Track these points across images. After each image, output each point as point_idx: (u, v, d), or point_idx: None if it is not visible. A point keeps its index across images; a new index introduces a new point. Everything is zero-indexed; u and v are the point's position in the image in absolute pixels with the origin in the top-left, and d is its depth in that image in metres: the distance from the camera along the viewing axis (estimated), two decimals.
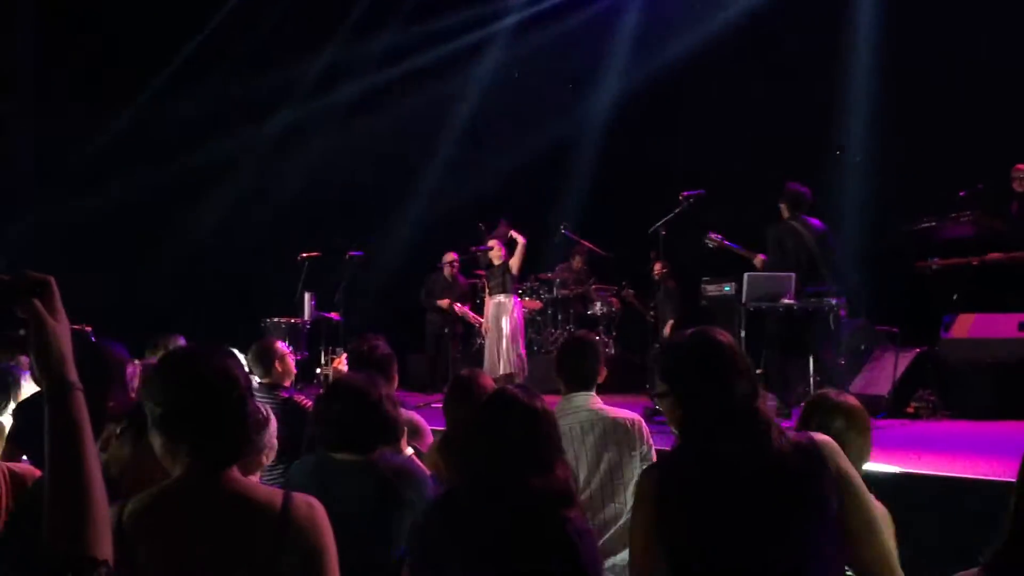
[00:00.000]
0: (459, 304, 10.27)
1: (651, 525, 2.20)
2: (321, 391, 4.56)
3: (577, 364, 3.82)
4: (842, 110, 9.63)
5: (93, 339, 3.91)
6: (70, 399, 1.48)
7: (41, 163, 10.68)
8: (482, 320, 10.22)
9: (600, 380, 3.84)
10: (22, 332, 1.51)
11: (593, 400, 3.75)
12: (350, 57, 11.65)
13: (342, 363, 4.79)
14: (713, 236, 7.91)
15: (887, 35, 9.29)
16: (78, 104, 10.63)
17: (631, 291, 11.10)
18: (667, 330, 10.12)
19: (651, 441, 3.75)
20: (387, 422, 2.89)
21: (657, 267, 10.15)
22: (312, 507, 1.95)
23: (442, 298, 10.36)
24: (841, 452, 2.23)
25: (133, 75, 11.02)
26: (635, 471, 3.65)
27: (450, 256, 10.36)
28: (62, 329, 1.52)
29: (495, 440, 2.37)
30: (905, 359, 7.31)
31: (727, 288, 9.09)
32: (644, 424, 3.77)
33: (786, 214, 7.46)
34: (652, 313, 10.54)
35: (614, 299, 11.24)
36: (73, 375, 1.50)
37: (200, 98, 11.01)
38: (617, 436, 3.65)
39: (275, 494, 1.96)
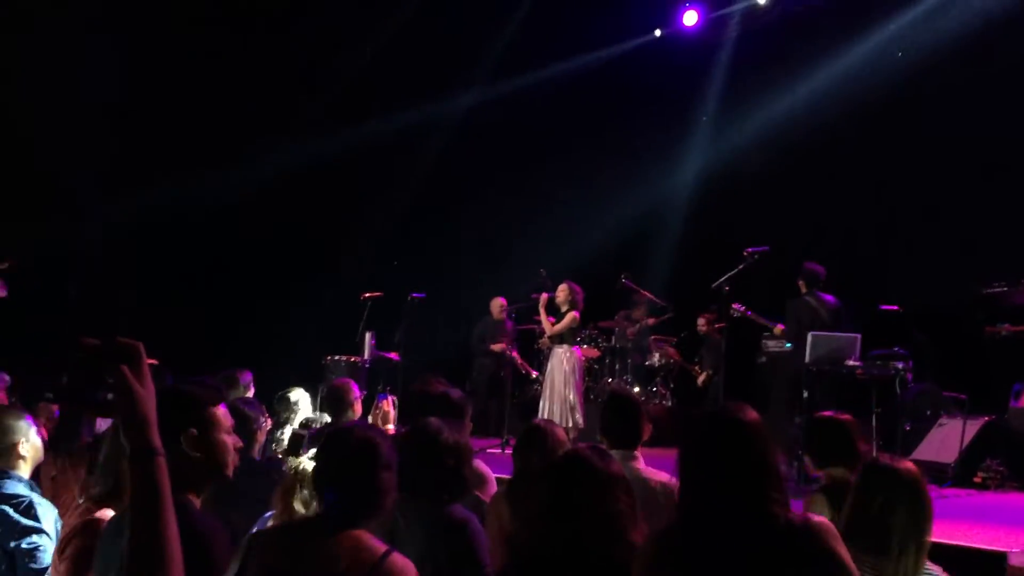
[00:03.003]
0: (510, 348, 10.29)
1: None
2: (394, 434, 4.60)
3: (618, 423, 3.79)
4: (914, 172, 9.53)
5: (169, 376, 4.00)
6: (153, 464, 1.54)
7: (115, 200, 10.99)
8: (533, 370, 10.23)
9: (645, 438, 3.79)
10: (110, 396, 1.56)
11: (634, 461, 3.69)
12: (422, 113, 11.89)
13: (389, 405, 4.78)
14: (736, 307, 8.38)
15: (968, 101, 9.19)
16: (152, 150, 10.96)
17: (674, 350, 11.07)
18: (700, 380, 10.15)
19: None
20: (450, 474, 2.87)
21: (701, 321, 10.21)
22: (406, 567, 2.19)
23: (493, 343, 10.37)
24: (838, 536, 2.18)
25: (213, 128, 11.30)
26: None
27: (499, 302, 10.39)
28: (148, 394, 1.57)
29: (563, 508, 2.33)
30: (973, 427, 7.13)
31: (788, 345, 9.05)
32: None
33: (803, 290, 8.10)
34: (696, 367, 10.58)
35: (672, 350, 11.19)
36: (156, 440, 1.56)
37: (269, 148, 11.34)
38: (656, 502, 3.53)
39: (378, 547, 2.23)
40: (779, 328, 8.50)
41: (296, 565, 2.18)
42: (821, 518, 2.22)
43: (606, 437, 3.82)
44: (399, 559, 2.18)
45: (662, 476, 3.68)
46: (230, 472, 2.35)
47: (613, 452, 3.63)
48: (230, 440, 2.38)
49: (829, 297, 8.03)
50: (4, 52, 10.01)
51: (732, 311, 8.34)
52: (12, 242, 10.13)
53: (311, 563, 2.17)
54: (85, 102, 10.45)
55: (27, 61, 10.21)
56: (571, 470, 2.40)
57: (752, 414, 2.29)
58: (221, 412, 2.39)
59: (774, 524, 2.14)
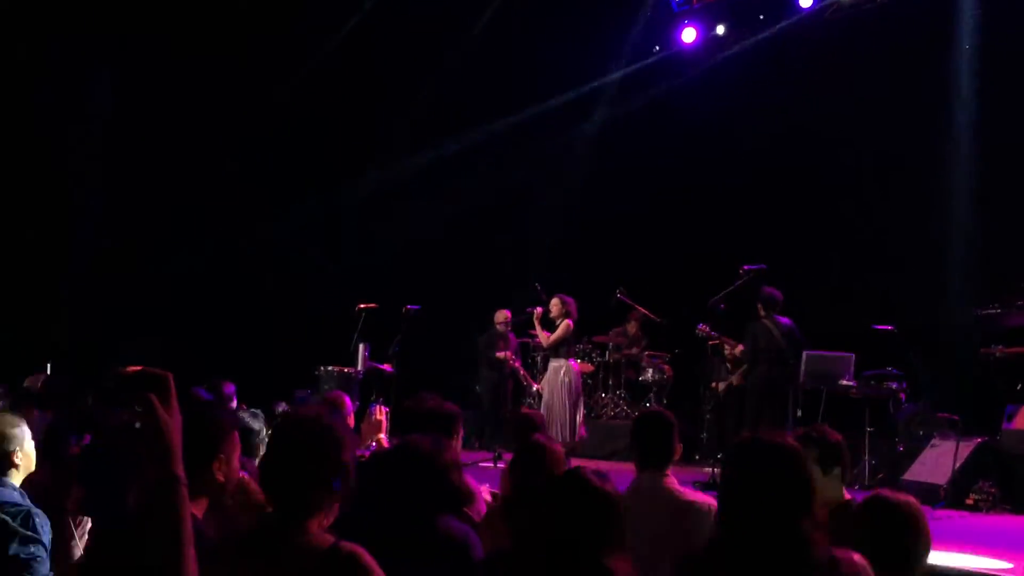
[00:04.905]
0: (514, 358, 10.28)
1: None
2: (377, 449, 4.56)
3: (652, 442, 3.70)
4: (909, 191, 9.55)
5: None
6: (175, 492, 1.56)
7: (111, 208, 11.00)
8: (536, 384, 10.20)
9: (676, 457, 3.72)
10: (137, 425, 1.58)
11: (667, 481, 3.62)
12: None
13: (381, 414, 4.74)
14: (701, 328, 8.67)
15: (979, 127, 9.22)
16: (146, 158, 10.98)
17: (668, 366, 11.02)
18: (721, 389, 10.03)
19: None
20: (452, 490, 2.86)
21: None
22: (356, 551, 2.06)
23: (494, 354, 10.35)
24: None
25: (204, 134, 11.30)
26: None
27: (504, 314, 10.38)
28: (174, 423, 1.59)
29: (563, 518, 2.41)
30: (965, 448, 7.11)
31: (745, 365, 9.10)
32: None
33: (762, 313, 8.40)
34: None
35: (666, 366, 11.16)
36: (180, 469, 1.58)
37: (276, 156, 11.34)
38: (689, 521, 3.48)
39: (327, 538, 2.10)
40: (740, 348, 8.78)
41: (245, 571, 2.12)
42: (858, 555, 2.26)
43: (635, 454, 3.74)
44: (348, 545, 2.09)
45: (702, 496, 3.62)
46: (228, 497, 2.49)
47: (644, 473, 3.65)
48: (238, 464, 2.53)
49: (785, 320, 8.36)
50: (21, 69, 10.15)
51: (698, 332, 8.58)
52: (9, 245, 10.16)
53: (260, 567, 2.10)
54: (90, 118, 10.55)
55: (39, 74, 10.33)
56: (570, 488, 2.48)
57: (791, 441, 2.35)
58: (236, 437, 2.51)
59: (809, 555, 2.18)
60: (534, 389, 10.42)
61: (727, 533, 2.30)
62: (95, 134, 10.90)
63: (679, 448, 3.74)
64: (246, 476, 2.58)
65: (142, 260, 11.03)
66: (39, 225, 10.56)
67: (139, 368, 1.61)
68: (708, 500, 3.57)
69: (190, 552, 1.55)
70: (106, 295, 10.67)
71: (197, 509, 2.38)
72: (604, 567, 2.33)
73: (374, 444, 4.73)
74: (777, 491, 2.24)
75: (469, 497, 3.73)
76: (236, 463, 2.47)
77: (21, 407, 5.04)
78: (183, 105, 10.91)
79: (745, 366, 9.87)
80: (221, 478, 2.41)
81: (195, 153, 11.04)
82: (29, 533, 3.30)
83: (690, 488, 3.71)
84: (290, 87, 11.51)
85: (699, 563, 2.33)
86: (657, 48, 12.12)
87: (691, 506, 3.53)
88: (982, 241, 8.77)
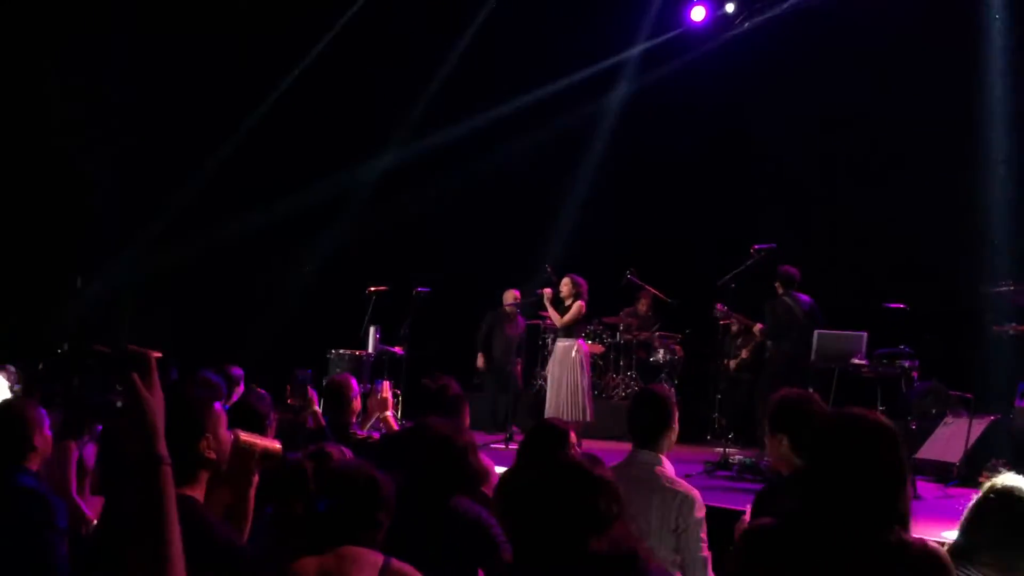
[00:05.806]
0: (513, 363, 10.22)
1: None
2: (393, 431, 4.57)
3: (644, 419, 3.65)
4: (920, 166, 9.49)
5: (173, 370, 4.00)
6: (158, 473, 1.54)
7: (126, 194, 11.02)
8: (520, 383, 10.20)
9: (672, 435, 3.66)
10: (119, 404, 1.57)
11: (659, 462, 3.57)
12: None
13: (387, 392, 4.76)
14: (720, 307, 8.58)
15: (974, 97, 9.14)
16: (166, 140, 10.98)
17: (679, 347, 11.01)
18: (733, 365, 9.98)
19: (698, 516, 3.47)
20: (469, 471, 2.88)
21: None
22: (405, 568, 2.28)
23: (502, 334, 10.27)
24: (952, 570, 2.13)
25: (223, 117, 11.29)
26: (664, 544, 3.42)
27: (512, 293, 10.33)
28: (156, 403, 1.57)
29: (552, 506, 2.33)
30: (979, 426, 7.10)
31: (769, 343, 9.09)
32: (696, 501, 3.51)
33: (780, 291, 8.48)
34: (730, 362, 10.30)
35: (678, 347, 11.14)
36: (163, 449, 1.56)
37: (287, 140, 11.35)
38: (660, 504, 3.45)
39: (378, 555, 2.32)
40: (759, 327, 8.76)
41: None
42: (937, 546, 2.18)
43: (630, 432, 3.69)
44: (398, 563, 2.23)
45: (683, 484, 3.57)
46: (225, 466, 2.45)
47: (640, 452, 3.59)
48: (227, 435, 2.48)
49: (804, 297, 8.38)
50: (35, 50, 10.14)
51: (716, 312, 8.51)
52: (24, 234, 10.20)
53: None
54: (105, 101, 10.56)
55: (57, 61, 10.34)
56: (563, 475, 2.39)
57: (889, 422, 2.25)
58: (219, 408, 2.49)
59: (887, 539, 2.11)
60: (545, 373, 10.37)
61: (808, 507, 2.20)
62: (109, 119, 10.91)
63: (676, 427, 3.67)
64: (240, 433, 2.54)
65: (154, 244, 11.06)
66: (54, 207, 10.60)
67: (108, 349, 1.60)
68: (687, 488, 3.54)
69: (175, 532, 1.53)
70: (119, 278, 10.72)
71: (197, 491, 2.38)
72: (589, 551, 2.25)
73: (381, 424, 4.74)
74: (872, 470, 2.15)
75: (485, 476, 3.75)
76: (224, 434, 2.44)
77: (32, 391, 5.08)
78: (193, 88, 10.92)
79: (755, 342, 9.86)
80: (212, 455, 2.39)
81: (203, 135, 11.04)
82: (45, 519, 3.32)
83: (677, 476, 3.64)
84: (297, 71, 11.52)
85: (769, 535, 2.27)
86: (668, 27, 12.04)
87: (666, 491, 3.49)
88: (994, 219, 8.70)
